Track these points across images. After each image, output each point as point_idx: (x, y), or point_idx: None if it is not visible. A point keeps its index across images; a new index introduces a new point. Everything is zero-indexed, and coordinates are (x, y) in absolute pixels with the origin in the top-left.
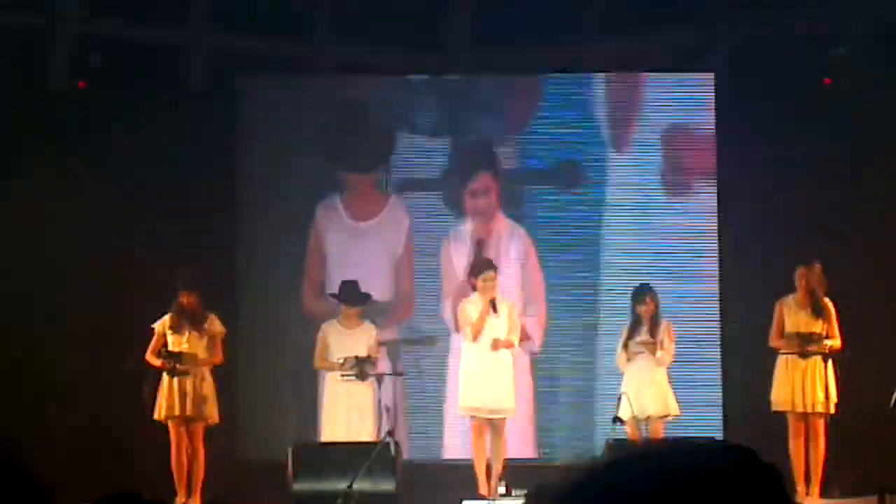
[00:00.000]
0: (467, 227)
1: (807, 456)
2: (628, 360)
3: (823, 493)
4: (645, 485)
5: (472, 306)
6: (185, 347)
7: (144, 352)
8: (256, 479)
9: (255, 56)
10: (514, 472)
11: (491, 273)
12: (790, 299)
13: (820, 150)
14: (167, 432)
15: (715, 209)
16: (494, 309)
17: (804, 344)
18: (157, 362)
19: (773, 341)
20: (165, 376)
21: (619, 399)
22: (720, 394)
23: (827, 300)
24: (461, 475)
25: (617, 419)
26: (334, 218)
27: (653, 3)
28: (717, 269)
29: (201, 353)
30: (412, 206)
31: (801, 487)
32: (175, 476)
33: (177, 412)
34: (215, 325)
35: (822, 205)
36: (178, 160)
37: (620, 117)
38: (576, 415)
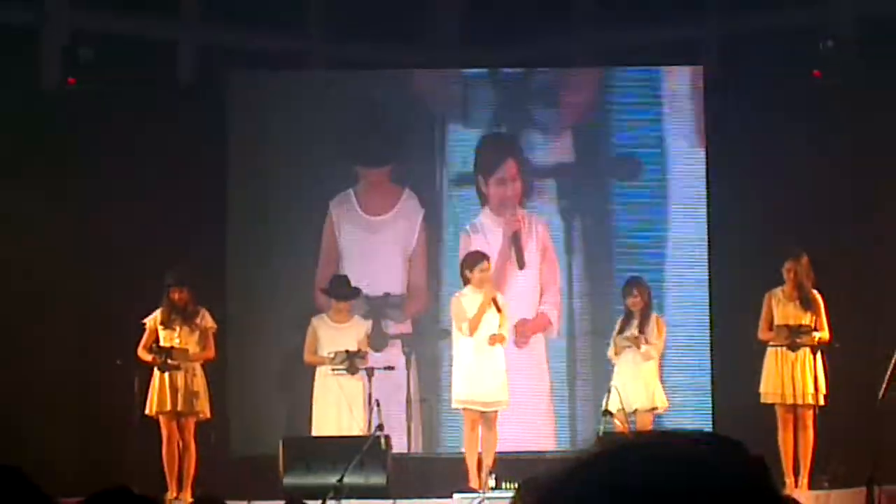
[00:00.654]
0: (484, 219)
1: (796, 448)
2: (616, 353)
3: (812, 485)
4: (630, 477)
5: (467, 300)
6: (176, 342)
7: (136, 347)
8: (247, 473)
9: (244, 50)
10: (508, 465)
11: (486, 264)
12: (778, 292)
13: (809, 143)
14: (158, 427)
15: (704, 202)
16: (497, 307)
17: (793, 336)
18: (149, 357)
19: (762, 334)
20: (156, 371)
21: (609, 392)
22: (709, 386)
23: (815, 292)
24: (453, 468)
25: (606, 412)
26: (348, 212)
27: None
28: (706, 261)
29: (192, 348)
30: (465, 199)
31: (789, 479)
32: (166, 471)
33: (168, 407)
34: (207, 320)
35: (812, 197)
36: (169, 155)
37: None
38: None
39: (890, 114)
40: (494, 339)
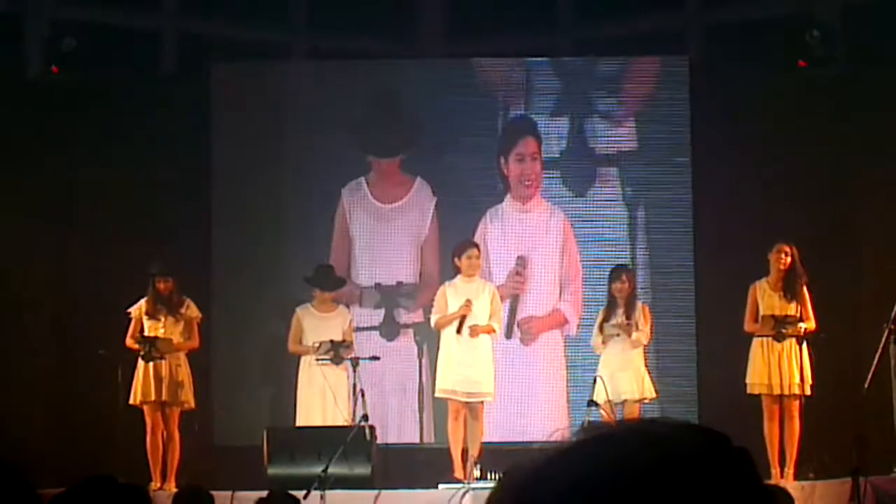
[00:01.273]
0: (505, 206)
1: (781, 438)
2: (603, 342)
3: (798, 476)
4: (611, 468)
5: (452, 290)
6: (161, 332)
7: (119, 337)
8: (232, 463)
9: (228, 41)
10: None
11: (475, 251)
12: (763, 282)
13: (795, 133)
14: (143, 417)
15: (689, 190)
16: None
17: (778, 326)
18: (136, 347)
19: (747, 325)
20: (141, 361)
21: (594, 382)
22: (695, 376)
23: (801, 282)
24: (438, 459)
25: (592, 402)
26: (360, 201)
27: None
28: (692, 250)
29: (177, 338)
30: (486, 188)
31: (775, 470)
32: (150, 461)
33: (152, 397)
34: (192, 310)
35: (797, 186)
36: (152, 145)
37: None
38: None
39: (876, 104)
40: (476, 331)
